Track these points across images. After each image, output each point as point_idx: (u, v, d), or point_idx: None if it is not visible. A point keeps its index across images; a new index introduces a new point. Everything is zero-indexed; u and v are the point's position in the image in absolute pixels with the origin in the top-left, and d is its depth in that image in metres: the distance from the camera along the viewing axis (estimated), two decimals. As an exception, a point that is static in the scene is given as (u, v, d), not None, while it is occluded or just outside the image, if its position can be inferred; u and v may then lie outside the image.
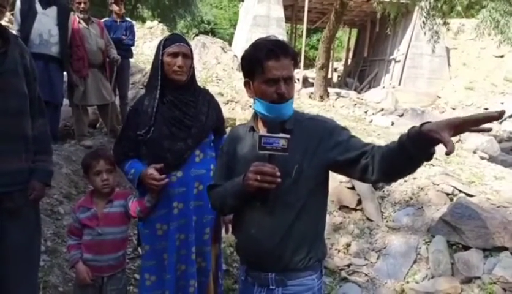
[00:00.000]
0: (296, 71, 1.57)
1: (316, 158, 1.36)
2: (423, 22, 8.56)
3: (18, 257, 1.73)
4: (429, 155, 1.14)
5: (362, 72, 16.55)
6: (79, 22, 4.26)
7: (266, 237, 1.37)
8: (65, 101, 4.49)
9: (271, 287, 1.39)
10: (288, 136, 1.24)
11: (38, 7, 3.78)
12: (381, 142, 5.23)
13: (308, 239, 1.39)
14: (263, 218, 1.38)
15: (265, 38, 1.41)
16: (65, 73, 4.23)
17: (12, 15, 5.00)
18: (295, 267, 1.37)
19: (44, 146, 1.87)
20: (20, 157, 1.73)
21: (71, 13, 4.19)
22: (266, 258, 1.39)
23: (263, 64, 1.33)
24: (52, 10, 3.85)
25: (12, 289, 1.74)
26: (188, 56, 1.94)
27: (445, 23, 8.79)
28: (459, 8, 8.15)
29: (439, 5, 8.24)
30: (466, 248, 3.22)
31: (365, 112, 10.00)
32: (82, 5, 4.26)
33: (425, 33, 8.88)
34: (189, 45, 1.98)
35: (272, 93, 1.33)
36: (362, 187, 3.97)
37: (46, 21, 3.80)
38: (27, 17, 3.71)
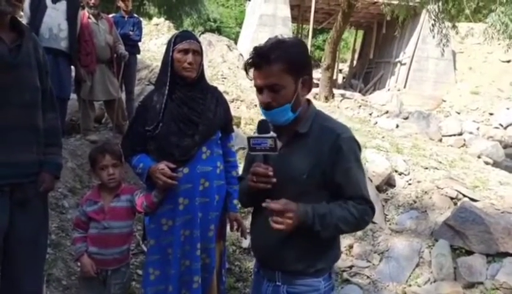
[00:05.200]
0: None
1: (324, 166, 1.33)
2: (432, 25, 8.54)
3: (25, 248, 1.75)
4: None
5: (367, 74, 16.52)
6: (88, 18, 4.28)
7: (268, 238, 1.39)
8: (72, 95, 4.51)
9: (277, 283, 1.42)
10: (274, 135, 1.24)
11: (48, 1, 3.80)
12: (386, 144, 5.22)
13: (314, 246, 1.37)
14: (267, 218, 1.38)
15: (263, 43, 1.36)
16: (72, 67, 4.25)
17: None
18: (302, 271, 1.38)
19: (54, 139, 1.89)
20: (31, 149, 1.74)
21: (81, 8, 4.21)
22: (269, 257, 1.43)
23: (251, 73, 1.36)
24: (62, 4, 3.86)
25: (18, 279, 1.76)
26: (198, 53, 1.95)
27: (454, 26, 8.76)
28: (467, 11, 8.12)
29: (447, 8, 8.21)
30: (469, 253, 3.21)
31: (370, 114, 9.98)
32: (93, 0, 4.28)
33: (433, 37, 8.86)
34: (199, 42, 1.99)
35: (261, 101, 1.34)
36: (366, 189, 3.96)
37: (55, 16, 3.82)
38: (37, 11, 3.72)
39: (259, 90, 1.34)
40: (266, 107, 1.33)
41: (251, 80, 1.39)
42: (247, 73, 1.38)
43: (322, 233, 1.29)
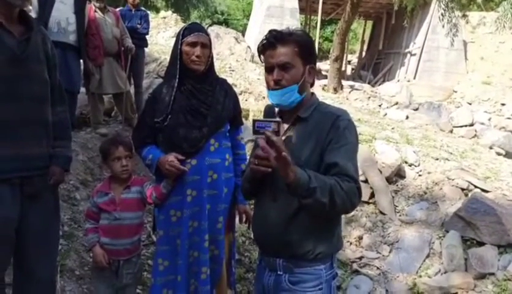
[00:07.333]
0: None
1: (322, 145, 1.37)
2: (442, 14, 8.38)
3: (36, 239, 1.77)
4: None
5: (376, 65, 16.29)
6: (95, 11, 4.29)
7: (270, 223, 1.42)
8: (82, 89, 4.54)
9: (278, 273, 1.43)
10: (279, 119, 1.28)
11: (56, -6, 3.80)
12: (396, 136, 5.18)
13: (315, 230, 1.39)
14: (268, 204, 1.44)
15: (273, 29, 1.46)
16: (81, 61, 4.27)
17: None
18: (302, 257, 1.39)
19: (64, 132, 1.90)
20: (41, 143, 1.76)
21: (88, 1, 4.22)
22: (271, 243, 1.44)
23: (263, 54, 1.44)
24: (70, -2, 3.87)
25: (32, 269, 1.79)
26: (207, 45, 1.95)
27: (464, 16, 8.59)
28: (478, 0, 7.95)
29: (458, -3, 8.05)
30: (480, 244, 3.19)
31: (380, 105, 9.86)
32: (99, -7, 4.28)
33: (443, 26, 8.69)
34: (208, 35, 1.98)
35: (270, 80, 1.41)
36: (376, 181, 3.94)
37: (63, 9, 3.83)
38: (45, 5, 3.74)
39: (271, 69, 1.40)
40: (275, 84, 1.39)
41: (263, 62, 1.46)
42: (259, 55, 1.46)
43: (318, 192, 1.24)
